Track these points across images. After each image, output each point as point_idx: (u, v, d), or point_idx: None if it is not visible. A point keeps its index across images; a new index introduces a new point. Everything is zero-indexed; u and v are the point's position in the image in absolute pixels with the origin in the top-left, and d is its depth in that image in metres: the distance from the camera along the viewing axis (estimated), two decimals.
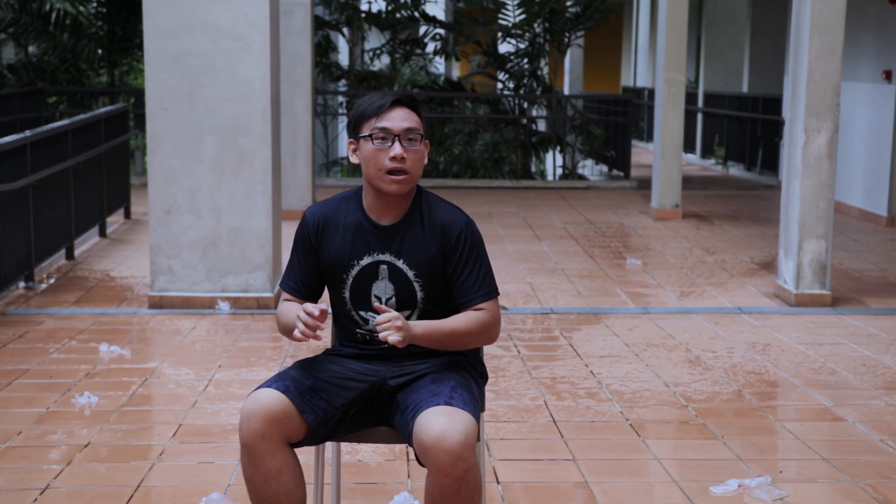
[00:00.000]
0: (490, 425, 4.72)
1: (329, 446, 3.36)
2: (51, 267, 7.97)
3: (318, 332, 2.94)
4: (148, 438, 4.60)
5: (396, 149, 3.00)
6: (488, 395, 5.05)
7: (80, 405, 4.94)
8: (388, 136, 3.02)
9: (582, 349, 6.00)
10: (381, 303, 3.09)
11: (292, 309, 3.10)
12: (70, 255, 8.28)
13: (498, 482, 4.11)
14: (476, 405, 2.99)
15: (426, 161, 3.15)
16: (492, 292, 3.10)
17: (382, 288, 3.10)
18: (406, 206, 3.11)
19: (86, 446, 4.44)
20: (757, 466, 4.28)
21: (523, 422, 4.81)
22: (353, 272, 3.11)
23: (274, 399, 2.93)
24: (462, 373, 3.12)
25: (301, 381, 3.01)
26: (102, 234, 9.30)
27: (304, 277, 3.17)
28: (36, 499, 3.92)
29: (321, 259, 3.14)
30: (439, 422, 2.81)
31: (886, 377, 5.53)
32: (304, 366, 3.11)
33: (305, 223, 3.16)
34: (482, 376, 3.27)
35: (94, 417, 4.80)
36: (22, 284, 7.23)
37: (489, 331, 3.10)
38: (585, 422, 4.82)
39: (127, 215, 10.29)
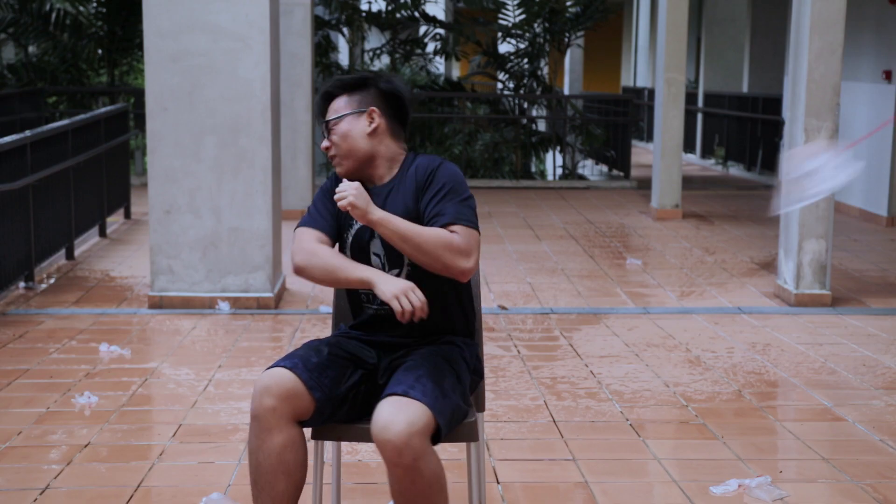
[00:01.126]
0: (490, 425, 4.72)
1: (329, 446, 3.37)
2: (51, 267, 7.97)
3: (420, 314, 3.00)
4: (148, 438, 4.60)
5: (324, 142, 3.21)
6: (488, 395, 5.05)
7: (80, 405, 4.94)
8: (325, 130, 3.23)
9: (582, 349, 6.00)
10: (380, 260, 3.17)
11: (333, 254, 3.12)
12: (70, 255, 8.28)
13: (498, 482, 4.11)
14: (442, 397, 2.93)
15: (367, 127, 3.19)
16: (467, 220, 3.06)
17: (378, 245, 3.18)
18: (396, 170, 3.22)
19: (86, 446, 4.45)
20: (757, 466, 4.28)
21: (523, 422, 4.81)
22: (352, 231, 3.20)
23: (285, 376, 2.99)
24: (442, 363, 3.09)
25: (308, 359, 3.07)
26: (102, 234, 9.30)
27: (329, 220, 3.22)
28: (36, 499, 3.92)
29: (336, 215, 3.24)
30: (385, 412, 2.83)
31: (886, 377, 5.53)
32: (310, 346, 3.17)
33: (330, 180, 3.29)
34: (475, 372, 3.25)
35: (94, 417, 4.80)
36: (22, 284, 7.24)
37: (455, 256, 3.02)
38: (585, 422, 4.82)
39: (127, 215, 10.30)
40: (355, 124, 3.18)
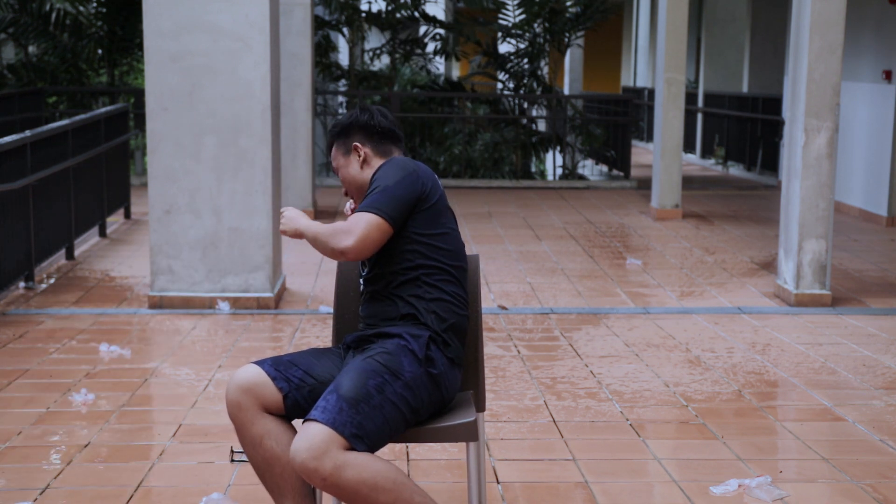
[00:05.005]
0: (490, 425, 4.73)
1: None
2: (51, 267, 7.97)
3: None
4: (148, 438, 4.60)
5: (343, 188, 3.43)
6: (488, 395, 5.05)
7: (77, 402, 4.94)
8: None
9: (582, 349, 6.00)
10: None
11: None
12: (70, 255, 8.28)
13: (498, 482, 4.11)
14: (349, 408, 2.93)
15: (358, 162, 3.34)
16: (364, 208, 3.13)
17: None
18: None
19: (86, 446, 4.45)
20: (757, 466, 4.28)
21: (523, 422, 4.81)
22: None
23: (248, 371, 3.13)
24: (368, 368, 3.05)
25: (280, 358, 3.20)
26: (102, 234, 9.30)
27: None
28: (36, 499, 3.92)
29: None
30: (295, 441, 2.92)
31: (886, 377, 5.53)
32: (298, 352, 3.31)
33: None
34: (428, 361, 3.14)
35: (94, 417, 4.80)
36: (22, 284, 7.24)
37: (337, 234, 3.10)
38: (585, 422, 4.82)
39: (127, 215, 10.30)
40: (351, 166, 3.36)
